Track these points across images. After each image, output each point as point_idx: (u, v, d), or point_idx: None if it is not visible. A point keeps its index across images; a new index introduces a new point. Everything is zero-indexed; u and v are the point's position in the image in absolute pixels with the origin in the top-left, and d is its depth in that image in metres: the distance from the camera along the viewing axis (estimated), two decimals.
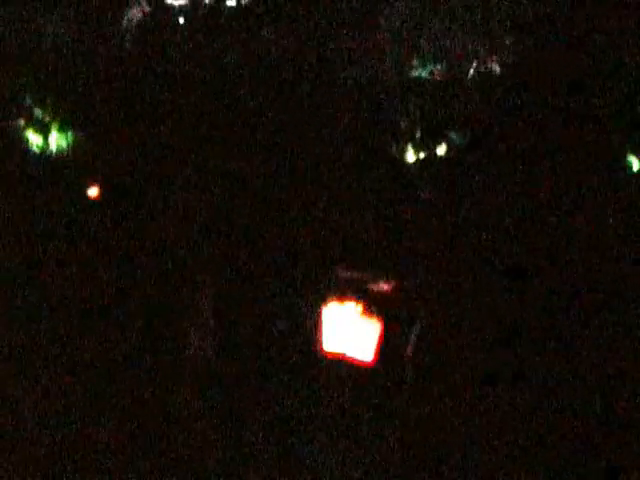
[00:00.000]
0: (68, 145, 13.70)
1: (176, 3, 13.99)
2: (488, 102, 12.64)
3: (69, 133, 13.74)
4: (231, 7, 13.86)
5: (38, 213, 11.58)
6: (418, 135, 13.51)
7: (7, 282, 10.09)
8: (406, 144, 13.57)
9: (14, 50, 13.22)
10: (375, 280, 8.16)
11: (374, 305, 7.56)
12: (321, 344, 6.80)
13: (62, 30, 12.77)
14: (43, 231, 11.05)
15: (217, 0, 13.51)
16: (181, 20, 14.09)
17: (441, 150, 13.71)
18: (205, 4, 13.58)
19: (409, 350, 7.95)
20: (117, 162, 12.67)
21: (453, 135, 13.49)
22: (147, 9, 13.48)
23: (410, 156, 13.66)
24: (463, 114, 12.97)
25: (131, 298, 10.59)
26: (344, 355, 6.46)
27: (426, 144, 13.54)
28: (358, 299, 6.96)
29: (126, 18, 13.57)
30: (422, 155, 13.61)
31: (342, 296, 7.35)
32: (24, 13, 12.93)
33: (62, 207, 11.64)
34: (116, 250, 10.75)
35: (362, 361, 6.49)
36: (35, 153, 13.54)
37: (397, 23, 13.32)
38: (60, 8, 12.58)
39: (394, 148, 13.45)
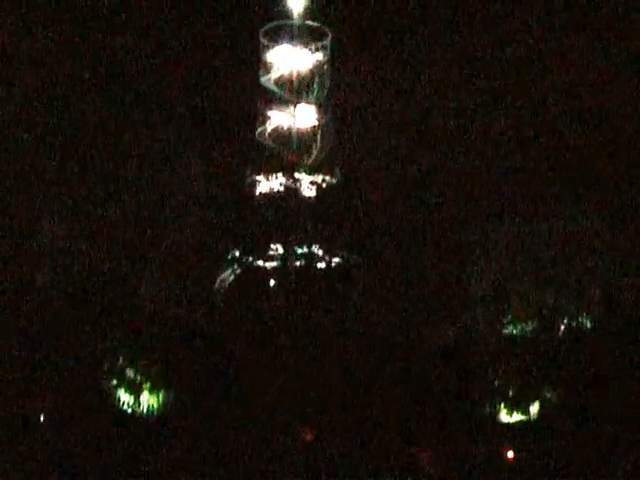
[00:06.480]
0: (159, 405, 13.75)
1: (268, 265, 14.32)
2: (581, 358, 12.30)
3: (160, 394, 13.82)
4: (321, 269, 14.10)
5: None
6: (511, 394, 13.10)
7: None
8: (499, 403, 13.15)
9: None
10: None
11: None
12: None
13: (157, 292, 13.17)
14: None
15: (308, 262, 13.77)
16: (272, 282, 14.38)
17: (535, 409, 13.22)
18: (296, 267, 13.86)
19: None
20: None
21: (548, 394, 13.03)
22: (239, 271, 13.84)
23: (503, 416, 13.20)
24: (557, 371, 12.60)
25: None
26: None
27: (520, 403, 13.09)
28: None
29: (219, 279, 13.91)
30: (516, 415, 13.14)
31: None
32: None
33: None
34: None
35: None
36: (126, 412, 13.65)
37: (487, 282, 13.30)
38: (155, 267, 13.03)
39: (487, 408, 13.06)
